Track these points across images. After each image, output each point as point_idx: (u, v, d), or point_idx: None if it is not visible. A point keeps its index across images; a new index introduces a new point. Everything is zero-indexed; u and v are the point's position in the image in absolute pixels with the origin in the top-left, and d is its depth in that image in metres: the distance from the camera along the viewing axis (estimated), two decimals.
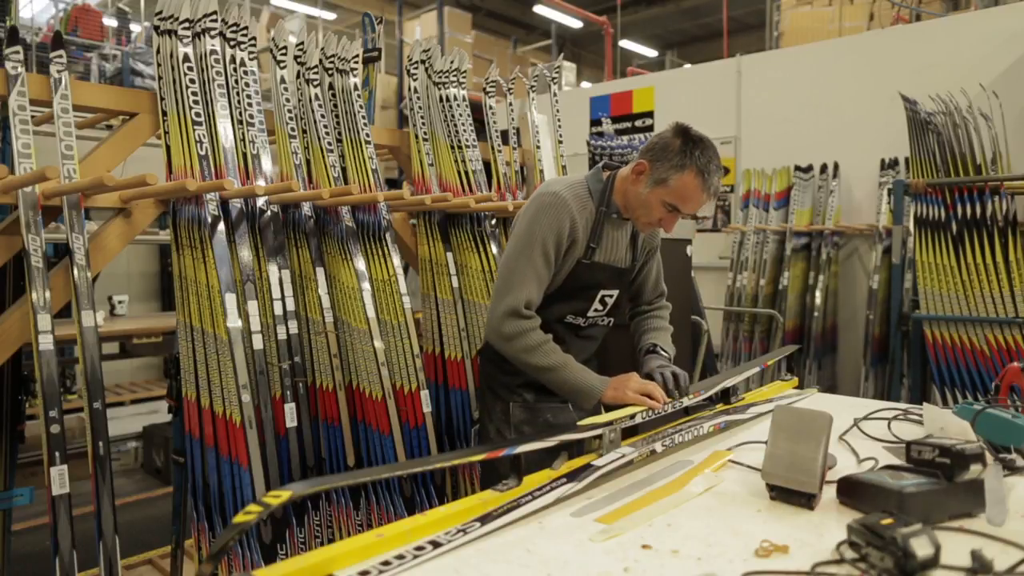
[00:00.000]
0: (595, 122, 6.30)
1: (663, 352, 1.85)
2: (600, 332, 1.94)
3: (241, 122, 2.22)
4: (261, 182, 2.20)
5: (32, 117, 1.93)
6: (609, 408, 1.61)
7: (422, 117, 2.68)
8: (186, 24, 2.13)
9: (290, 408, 2.11)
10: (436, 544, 1.00)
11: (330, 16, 11.79)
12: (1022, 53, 4.28)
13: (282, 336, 2.14)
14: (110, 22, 6.58)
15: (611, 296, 1.85)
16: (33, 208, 1.84)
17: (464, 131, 2.74)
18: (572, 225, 1.71)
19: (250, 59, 2.27)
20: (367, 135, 2.48)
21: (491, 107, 2.96)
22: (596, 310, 1.85)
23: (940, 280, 3.38)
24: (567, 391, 1.71)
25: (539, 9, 11.76)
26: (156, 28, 2.12)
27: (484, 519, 1.09)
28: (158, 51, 2.12)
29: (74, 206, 1.91)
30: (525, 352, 1.70)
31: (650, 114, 6.01)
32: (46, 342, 1.78)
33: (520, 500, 1.16)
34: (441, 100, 2.73)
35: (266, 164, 2.24)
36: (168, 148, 2.08)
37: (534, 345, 1.70)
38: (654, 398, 1.60)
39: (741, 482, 1.30)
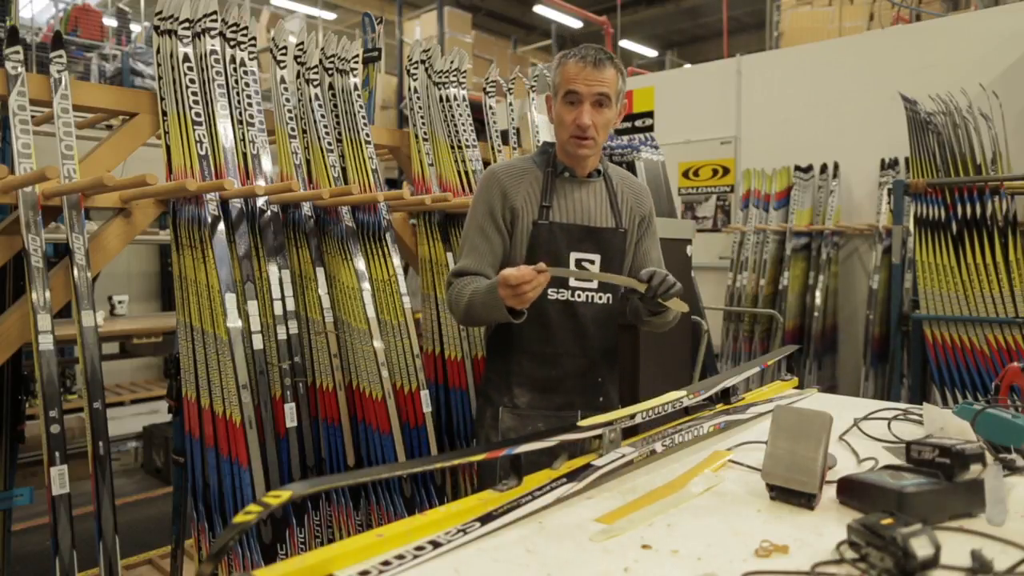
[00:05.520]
0: None
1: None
2: (597, 314, 1.79)
3: (241, 122, 2.22)
4: (261, 182, 2.20)
5: (32, 117, 1.93)
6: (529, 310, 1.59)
7: (422, 117, 2.68)
8: (186, 24, 2.13)
9: (290, 408, 2.11)
10: (436, 544, 1.00)
11: (330, 16, 11.80)
12: (1022, 53, 4.28)
13: (282, 336, 2.14)
14: (110, 22, 6.58)
15: (591, 261, 1.76)
16: (33, 208, 1.84)
17: (464, 131, 2.74)
18: (503, 191, 1.74)
19: (250, 59, 2.27)
20: (367, 135, 2.48)
21: (491, 107, 2.96)
22: (579, 278, 1.76)
23: (940, 280, 3.38)
24: (490, 312, 1.61)
25: (539, 9, 11.76)
26: (156, 28, 2.12)
27: (484, 519, 1.09)
28: (158, 51, 2.12)
29: (74, 206, 1.91)
30: (454, 311, 1.72)
31: (650, 114, 6.01)
32: (46, 342, 1.78)
33: (520, 500, 1.16)
34: (441, 100, 2.73)
35: (266, 164, 2.24)
36: (168, 148, 2.08)
37: (454, 299, 1.71)
38: (523, 280, 1.47)
39: (741, 482, 1.30)
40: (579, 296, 1.76)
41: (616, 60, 1.69)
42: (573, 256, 1.74)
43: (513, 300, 1.52)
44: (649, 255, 1.89)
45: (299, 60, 2.40)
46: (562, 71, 1.69)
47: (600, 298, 1.79)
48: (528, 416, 1.76)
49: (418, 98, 2.69)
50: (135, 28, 6.88)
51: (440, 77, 2.74)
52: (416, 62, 2.70)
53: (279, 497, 0.95)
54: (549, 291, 1.73)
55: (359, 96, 2.49)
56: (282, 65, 2.37)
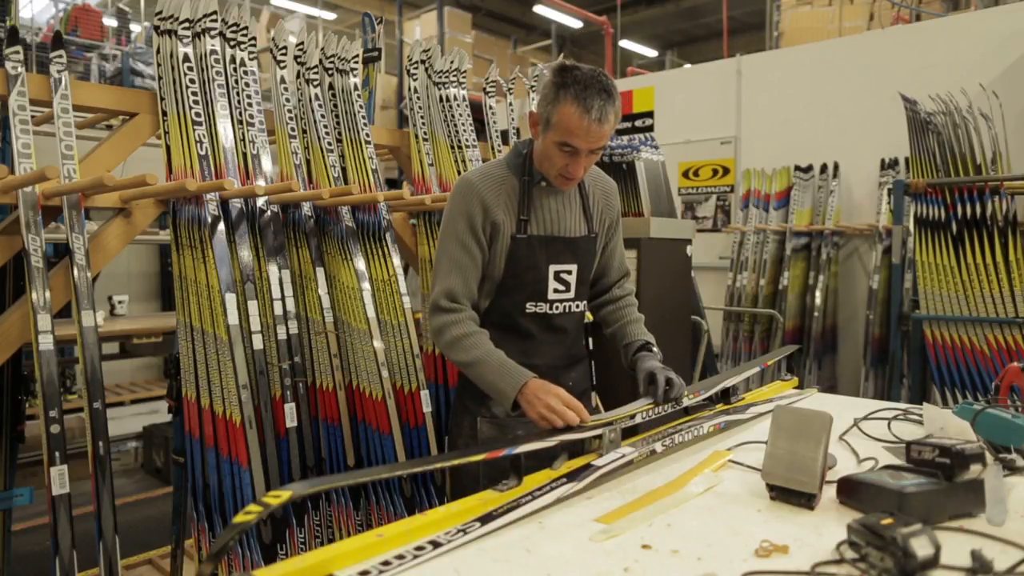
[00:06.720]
0: None
1: (657, 352, 1.73)
2: (575, 323, 1.78)
3: (241, 122, 2.22)
4: (261, 182, 2.20)
5: (32, 117, 1.93)
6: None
7: (422, 117, 2.68)
8: (186, 24, 2.13)
9: (290, 408, 2.11)
10: (436, 544, 1.00)
11: (330, 16, 11.80)
12: (1022, 53, 4.28)
13: (282, 336, 2.14)
14: (110, 22, 6.58)
15: (568, 272, 1.71)
16: (33, 208, 1.84)
17: (464, 131, 2.74)
18: (484, 205, 1.63)
19: (250, 59, 2.27)
20: (367, 135, 2.48)
21: (491, 107, 2.96)
22: (557, 290, 1.70)
23: (940, 280, 3.38)
24: (488, 392, 1.59)
25: (539, 9, 11.75)
26: (156, 28, 2.12)
27: (484, 519, 1.09)
28: (158, 51, 2.12)
29: (74, 206, 1.91)
30: (448, 348, 1.62)
31: (650, 114, 6.01)
32: (46, 342, 1.78)
33: (520, 500, 1.16)
34: (441, 100, 2.73)
35: (266, 164, 2.24)
36: (168, 148, 2.08)
37: (454, 339, 1.60)
38: (566, 420, 1.43)
39: (741, 482, 1.30)
40: (557, 308, 1.72)
41: (615, 94, 1.54)
42: (552, 268, 1.69)
43: (535, 414, 1.47)
44: (614, 253, 1.87)
45: (299, 60, 2.40)
46: (561, 114, 1.52)
47: (577, 306, 1.76)
48: (506, 425, 1.69)
49: (418, 98, 2.69)
50: (135, 28, 6.88)
51: (440, 77, 2.74)
52: (416, 62, 2.70)
53: (279, 497, 0.95)
54: (527, 305, 1.69)
55: (359, 96, 2.49)
56: (282, 65, 2.37)
